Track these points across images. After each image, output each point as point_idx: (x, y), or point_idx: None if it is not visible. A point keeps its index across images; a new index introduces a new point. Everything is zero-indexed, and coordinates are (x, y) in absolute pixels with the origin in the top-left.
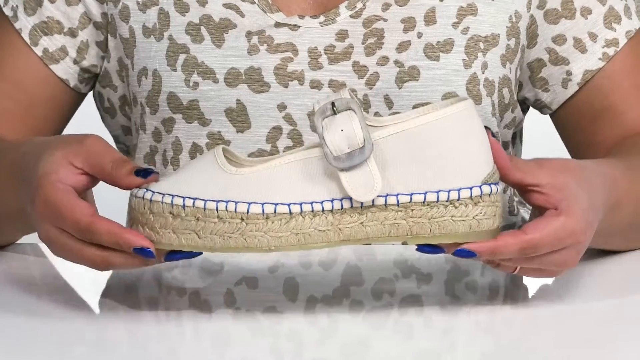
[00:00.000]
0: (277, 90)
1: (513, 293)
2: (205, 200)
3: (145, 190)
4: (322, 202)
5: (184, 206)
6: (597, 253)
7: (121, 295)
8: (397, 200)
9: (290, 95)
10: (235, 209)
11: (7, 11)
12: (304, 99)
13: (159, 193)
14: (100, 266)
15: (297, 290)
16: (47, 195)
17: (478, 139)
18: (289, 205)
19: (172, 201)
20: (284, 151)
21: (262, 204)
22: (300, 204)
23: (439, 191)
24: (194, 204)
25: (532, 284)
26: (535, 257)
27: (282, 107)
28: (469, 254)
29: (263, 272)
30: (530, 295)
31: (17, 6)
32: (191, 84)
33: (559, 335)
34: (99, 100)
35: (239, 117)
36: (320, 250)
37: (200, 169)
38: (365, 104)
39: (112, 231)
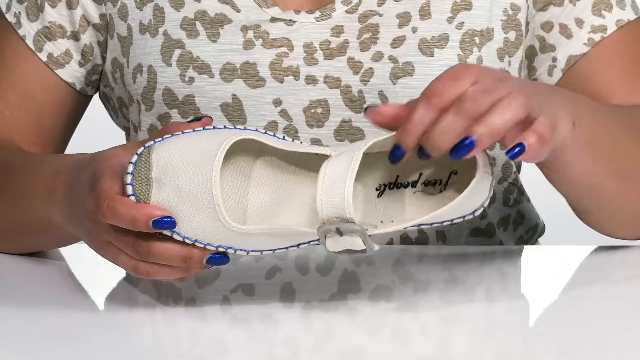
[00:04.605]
0: (273, 85)
1: (510, 300)
2: (205, 244)
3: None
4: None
5: (183, 239)
6: (594, 255)
7: (117, 301)
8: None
9: (286, 91)
10: (235, 252)
11: (10, 17)
12: (300, 95)
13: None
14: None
15: (294, 296)
16: (99, 163)
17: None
18: (287, 247)
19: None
20: None
21: (261, 251)
22: (298, 245)
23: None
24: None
25: (530, 290)
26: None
27: (277, 102)
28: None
29: (259, 278)
30: (527, 302)
31: (19, 12)
32: (187, 79)
33: (556, 343)
34: (105, 99)
35: (234, 112)
36: (317, 255)
37: (203, 208)
38: (360, 100)
39: (130, 204)
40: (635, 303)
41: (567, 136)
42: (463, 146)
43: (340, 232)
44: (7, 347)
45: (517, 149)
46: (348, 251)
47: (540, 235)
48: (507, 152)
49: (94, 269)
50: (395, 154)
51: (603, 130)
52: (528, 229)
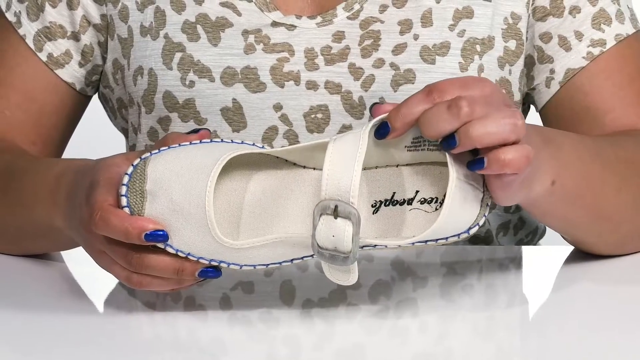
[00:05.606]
0: (273, 90)
1: (509, 297)
2: (198, 258)
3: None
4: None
5: (176, 252)
6: (593, 257)
7: (116, 301)
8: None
9: (286, 96)
10: (229, 266)
11: (10, 17)
12: (300, 100)
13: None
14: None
15: (294, 294)
16: (97, 172)
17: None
18: (280, 262)
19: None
20: None
21: (254, 266)
22: (291, 260)
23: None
24: (186, 257)
25: (529, 288)
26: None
27: (278, 107)
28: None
29: (259, 276)
30: (527, 300)
31: (19, 12)
32: (187, 83)
33: (555, 339)
34: (104, 100)
35: (234, 116)
36: None
37: (195, 221)
38: (360, 106)
39: (123, 216)
40: (636, 303)
41: (543, 194)
42: (447, 142)
43: (336, 213)
44: (6, 348)
45: (476, 163)
46: (333, 257)
47: (540, 238)
48: (468, 163)
49: (93, 269)
50: (380, 130)
51: (586, 183)
52: (528, 233)
